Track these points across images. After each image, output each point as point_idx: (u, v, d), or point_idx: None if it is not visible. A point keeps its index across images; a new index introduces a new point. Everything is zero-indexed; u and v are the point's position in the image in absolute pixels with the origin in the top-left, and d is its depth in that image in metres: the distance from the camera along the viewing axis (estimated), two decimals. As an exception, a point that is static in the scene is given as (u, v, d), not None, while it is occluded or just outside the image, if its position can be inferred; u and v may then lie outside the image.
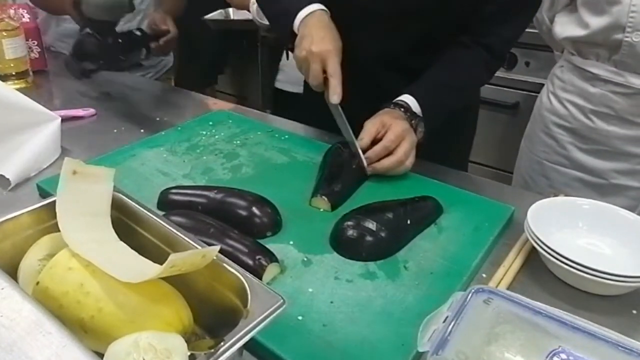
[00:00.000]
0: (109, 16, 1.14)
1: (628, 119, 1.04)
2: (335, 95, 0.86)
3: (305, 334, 0.59)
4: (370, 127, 0.89)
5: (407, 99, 0.93)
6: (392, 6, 0.95)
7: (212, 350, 0.42)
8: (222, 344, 0.43)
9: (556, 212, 0.74)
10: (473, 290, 0.56)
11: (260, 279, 0.64)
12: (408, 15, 0.96)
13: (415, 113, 0.92)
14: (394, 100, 0.94)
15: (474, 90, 1.14)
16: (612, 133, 1.07)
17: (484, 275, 0.70)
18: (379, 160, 0.88)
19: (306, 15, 0.90)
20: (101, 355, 0.42)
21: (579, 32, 1.05)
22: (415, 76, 0.97)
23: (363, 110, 0.92)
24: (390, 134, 0.87)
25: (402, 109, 0.92)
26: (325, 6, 0.93)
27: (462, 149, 1.22)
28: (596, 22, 1.01)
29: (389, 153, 0.88)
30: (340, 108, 0.90)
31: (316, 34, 0.87)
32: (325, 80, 0.87)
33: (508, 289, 0.66)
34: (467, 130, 1.21)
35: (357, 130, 0.91)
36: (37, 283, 0.49)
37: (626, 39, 0.98)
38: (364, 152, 0.89)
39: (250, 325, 0.45)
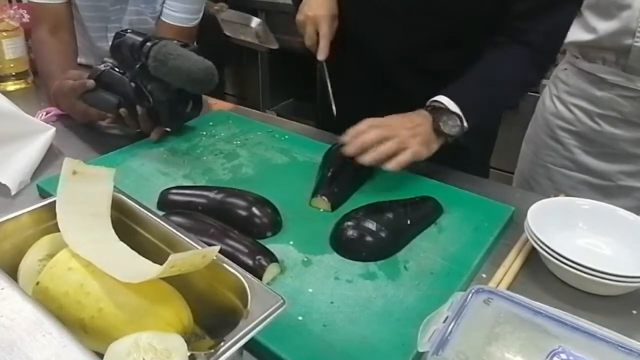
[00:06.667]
0: (192, 88, 0.94)
1: (635, 121, 1.03)
2: (322, 53, 0.97)
3: (306, 334, 0.59)
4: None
5: (439, 97, 0.89)
6: (406, 3, 0.95)
7: (212, 351, 0.42)
8: (222, 344, 0.43)
9: (556, 212, 0.74)
10: (473, 291, 0.56)
11: (260, 279, 0.64)
12: (423, 12, 0.95)
13: (442, 108, 0.87)
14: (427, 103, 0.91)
15: (519, 89, 1.03)
16: (619, 136, 1.06)
17: (484, 275, 0.70)
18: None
19: None
20: (101, 355, 0.42)
21: (585, 36, 1.04)
22: (434, 76, 0.94)
23: (380, 112, 0.91)
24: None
25: (429, 108, 0.89)
26: (342, 4, 0.99)
27: (482, 154, 1.20)
28: (604, 26, 1.00)
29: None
30: (325, 65, 1.01)
31: (315, 2, 0.99)
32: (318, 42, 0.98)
33: (508, 289, 0.66)
34: (487, 134, 1.19)
35: None
36: (37, 283, 0.49)
37: (636, 44, 0.96)
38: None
39: (250, 326, 0.45)
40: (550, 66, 0.99)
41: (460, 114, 0.87)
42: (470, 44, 0.96)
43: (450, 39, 0.97)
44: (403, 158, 0.81)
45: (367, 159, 0.82)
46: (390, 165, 0.81)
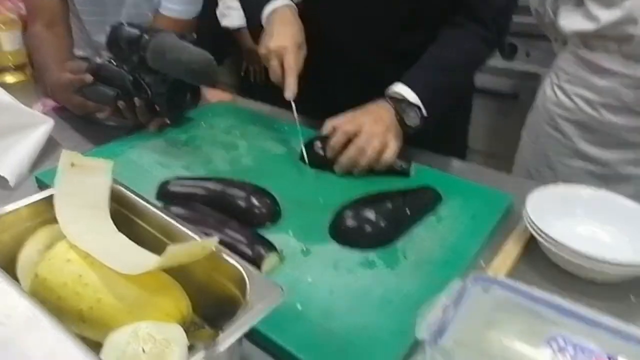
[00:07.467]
0: (191, 80, 0.93)
1: (637, 110, 1.03)
2: (289, 92, 0.87)
3: (305, 323, 0.59)
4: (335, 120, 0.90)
5: (399, 87, 0.90)
6: None
7: (212, 340, 0.42)
8: (221, 334, 0.43)
9: (555, 200, 0.74)
10: (472, 278, 0.56)
11: (259, 269, 0.64)
12: None
13: (403, 100, 0.88)
14: (386, 93, 0.92)
15: (473, 69, 1.04)
16: (620, 125, 1.06)
17: (482, 263, 0.70)
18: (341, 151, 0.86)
19: (270, 12, 0.93)
20: (100, 344, 0.43)
21: (587, 25, 1.03)
22: (407, 59, 0.93)
23: (356, 99, 0.91)
24: (349, 124, 0.86)
25: (389, 99, 0.90)
26: (310, 4, 0.94)
27: (457, 136, 1.20)
28: (606, 15, 0.99)
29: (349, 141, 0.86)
30: (293, 104, 0.89)
31: (275, 31, 0.90)
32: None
33: (507, 276, 0.67)
34: (460, 116, 1.19)
35: None
36: (36, 275, 0.50)
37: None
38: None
39: (250, 315, 0.45)
40: (500, 44, 1.00)
41: (420, 104, 0.88)
42: (441, 23, 0.95)
43: (422, 17, 0.96)
44: (392, 150, 0.85)
45: (336, 167, 0.86)
46: (387, 157, 0.84)
